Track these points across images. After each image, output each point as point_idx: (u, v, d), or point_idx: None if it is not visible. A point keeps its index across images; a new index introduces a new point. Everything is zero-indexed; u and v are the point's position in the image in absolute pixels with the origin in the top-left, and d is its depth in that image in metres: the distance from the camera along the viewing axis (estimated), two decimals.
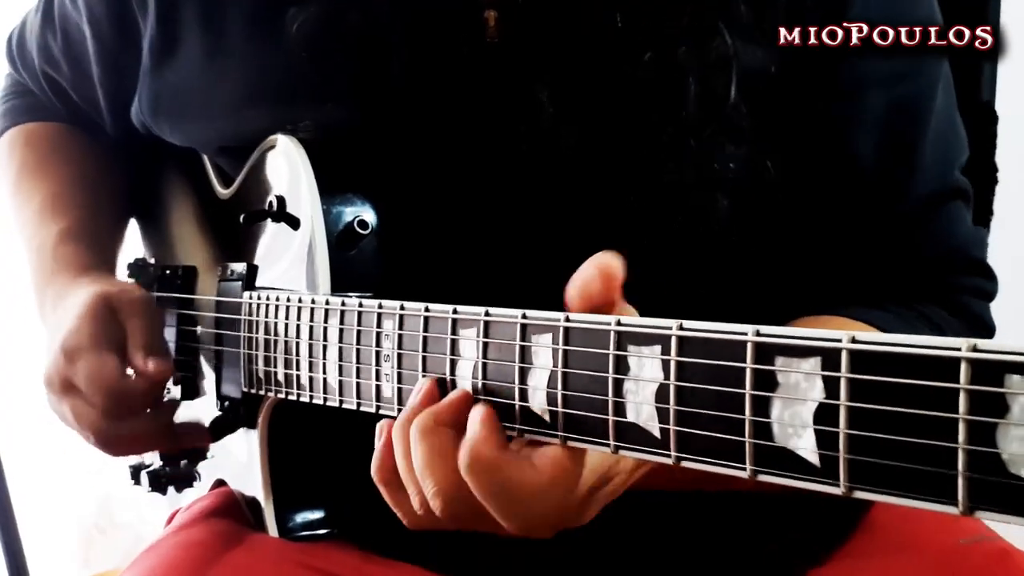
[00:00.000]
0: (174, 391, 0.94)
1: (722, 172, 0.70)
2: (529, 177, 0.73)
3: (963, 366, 0.35)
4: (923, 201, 0.76)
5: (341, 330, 0.68)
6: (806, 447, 0.40)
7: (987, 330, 0.81)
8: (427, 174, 0.76)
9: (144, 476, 0.99)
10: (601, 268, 0.53)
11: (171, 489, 1.00)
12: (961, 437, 0.35)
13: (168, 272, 0.94)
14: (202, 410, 0.90)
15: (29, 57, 1.01)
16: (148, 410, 0.87)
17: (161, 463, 0.99)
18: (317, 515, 0.83)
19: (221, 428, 0.87)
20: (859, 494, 0.39)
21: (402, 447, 0.60)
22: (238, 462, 0.88)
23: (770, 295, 0.75)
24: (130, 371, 0.86)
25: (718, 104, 0.68)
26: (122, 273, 1.00)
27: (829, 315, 0.74)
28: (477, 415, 0.56)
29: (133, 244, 1.06)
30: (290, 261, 0.79)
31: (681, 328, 0.45)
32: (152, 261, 1.04)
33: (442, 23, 0.73)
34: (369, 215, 0.76)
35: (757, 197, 0.72)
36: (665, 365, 0.46)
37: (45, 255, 0.95)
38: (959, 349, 0.35)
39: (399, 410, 0.64)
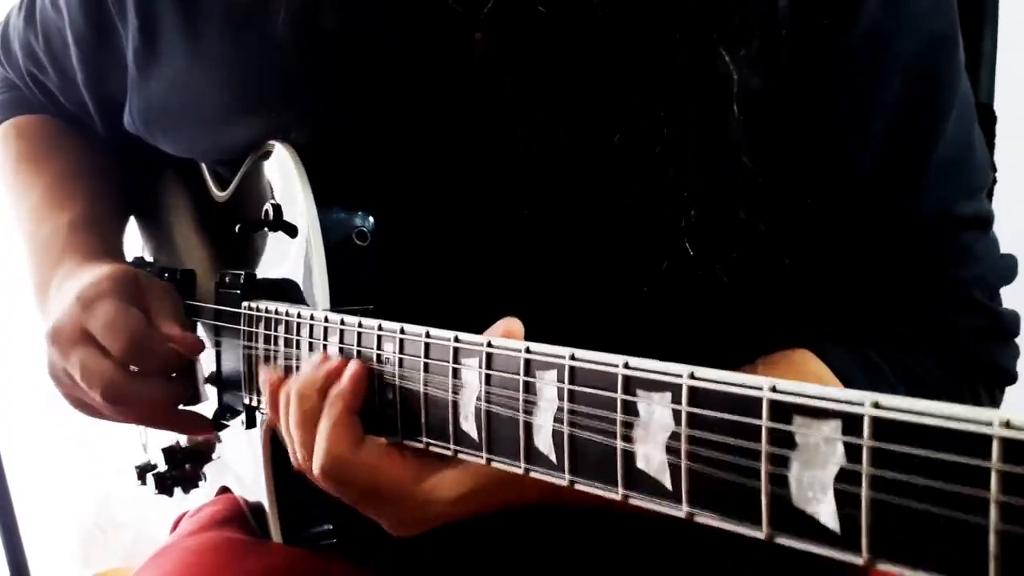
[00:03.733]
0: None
1: (716, 190, 0.67)
2: (526, 184, 0.71)
3: (995, 444, 0.33)
4: (921, 229, 0.72)
5: (341, 349, 0.66)
6: (826, 512, 0.38)
7: (998, 374, 0.76)
8: (424, 181, 0.74)
9: (150, 478, 0.98)
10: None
11: (177, 491, 0.99)
12: (993, 519, 0.33)
13: (167, 275, 0.92)
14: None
15: (14, 55, 0.98)
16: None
17: (167, 467, 0.97)
18: (322, 523, 0.81)
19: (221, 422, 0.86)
20: (882, 566, 0.37)
21: (283, 406, 0.67)
22: (242, 469, 0.87)
23: (758, 314, 0.73)
24: None
25: (714, 122, 0.65)
26: None
27: (800, 348, 0.72)
28: (327, 422, 0.62)
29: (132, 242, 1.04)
30: (288, 269, 0.77)
31: (692, 377, 0.43)
32: (151, 259, 1.02)
33: (435, 33, 0.70)
34: (366, 225, 0.73)
35: (753, 216, 0.69)
36: (676, 415, 0.43)
37: (54, 244, 0.91)
38: (990, 424, 0.33)
39: (402, 435, 0.62)
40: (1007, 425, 0.33)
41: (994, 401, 0.78)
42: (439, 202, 0.74)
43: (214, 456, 0.94)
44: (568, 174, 0.70)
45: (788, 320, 0.74)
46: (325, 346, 0.66)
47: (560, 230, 0.72)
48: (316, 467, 0.63)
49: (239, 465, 0.88)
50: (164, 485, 0.98)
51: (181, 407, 0.86)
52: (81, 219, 0.93)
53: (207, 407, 0.88)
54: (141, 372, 0.80)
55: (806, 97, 0.67)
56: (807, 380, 0.70)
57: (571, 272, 0.73)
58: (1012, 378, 0.76)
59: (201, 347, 0.82)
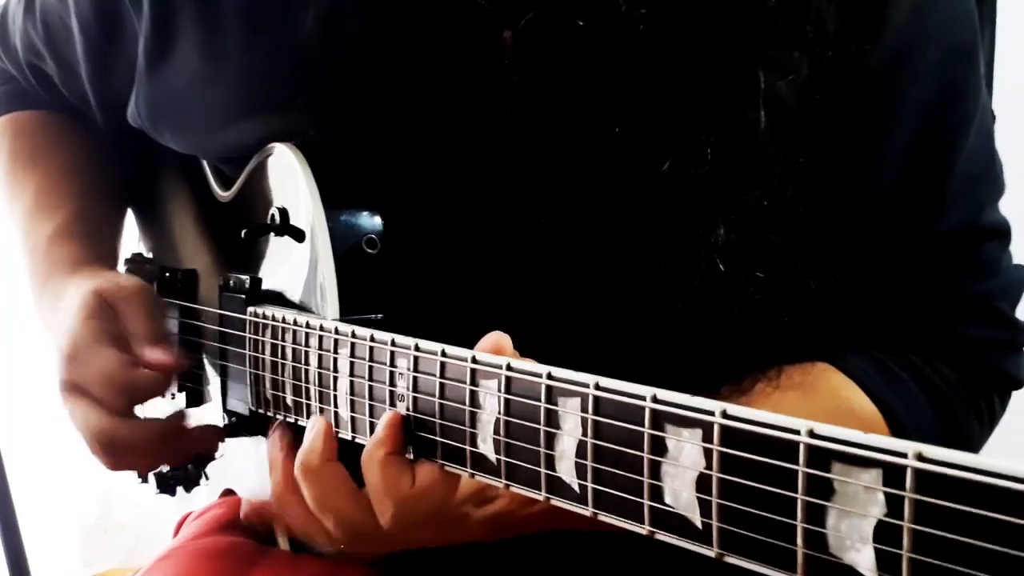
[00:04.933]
0: (179, 399, 0.91)
1: (734, 205, 0.65)
2: (542, 191, 0.69)
3: None
4: (945, 241, 0.71)
5: (352, 363, 0.65)
6: (865, 563, 0.37)
7: (1009, 382, 0.76)
8: (440, 184, 0.72)
9: (152, 478, 0.98)
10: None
11: (179, 490, 0.98)
12: None
13: (168, 275, 0.91)
14: (207, 417, 0.88)
15: (12, 46, 0.96)
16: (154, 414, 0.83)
17: (168, 467, 0.96)
18: None
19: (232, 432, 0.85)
20: None
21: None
22: (248, 473, 0.86)
23: (773, 327, 0.72)
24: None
25: (739, 136, 0.64)
26: (121, 268, 0.97)
27: (819, 362, 0.71)
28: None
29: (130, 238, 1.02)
30: (295, 274, 0.75)
31: (725, 415, 0.42)
32: (149, 256, 1.01)
33: (456, 40, 0.68)
34: (376, 230, 0.72)
35: (772, 229, 0.67)
36: (707, 453, 0.43)
37: (39, 257, 0.91)
38: None
39: (415, 453, 0.61)
40: None
41: (1003, 406, 0.78)
42: (452, 207, 0.72)
43: (216, 455, 0.93)
44: (586, 184, 0.69)
45: (795, 322, 0.73)
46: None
47: (575, 238, 0.71)
48: (384, 522, 0.63)
49: (243, 466, 0.87)
50: (166, 485, 0.97)
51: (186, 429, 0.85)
52: (66, 226, 0.92)
53: (212, 408, 0.88)
54: (133, 408, 0.81)
55: (832, 109, 0.65)
56: (832, 397, 0.71)
57: (583, 279, 0.72)
58: (1020, 384, 0.77)
59: (177, 364, 0.82)
